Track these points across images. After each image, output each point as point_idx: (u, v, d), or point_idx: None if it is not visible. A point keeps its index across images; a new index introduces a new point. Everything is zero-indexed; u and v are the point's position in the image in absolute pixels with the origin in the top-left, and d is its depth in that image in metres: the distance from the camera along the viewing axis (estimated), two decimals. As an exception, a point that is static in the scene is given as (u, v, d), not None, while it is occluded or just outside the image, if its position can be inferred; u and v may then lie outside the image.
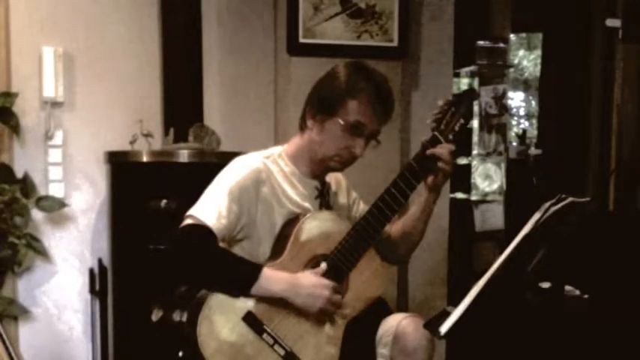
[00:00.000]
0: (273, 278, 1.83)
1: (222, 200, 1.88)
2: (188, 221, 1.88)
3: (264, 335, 1.83)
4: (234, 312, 1.82)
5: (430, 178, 1.98)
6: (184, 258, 1.85)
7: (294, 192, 1.98)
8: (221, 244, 1.94)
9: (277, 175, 1.97)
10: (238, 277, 1.84)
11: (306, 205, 1.99)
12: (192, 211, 1.89)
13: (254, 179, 1.92)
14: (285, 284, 1.83)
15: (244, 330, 1.82)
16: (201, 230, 1.84)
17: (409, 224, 2.09)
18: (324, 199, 2.04)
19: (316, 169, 2.02)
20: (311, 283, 1.85)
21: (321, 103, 1.94)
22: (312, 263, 1.91)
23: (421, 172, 1.94)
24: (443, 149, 1.94)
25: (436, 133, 1.96)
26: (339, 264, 1.91)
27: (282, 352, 1.84)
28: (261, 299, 1.84)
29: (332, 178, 2.11)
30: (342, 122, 1.91)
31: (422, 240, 2.14)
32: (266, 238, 1.94)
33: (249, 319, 1.83)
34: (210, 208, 1.87)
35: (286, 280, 1.84)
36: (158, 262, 1.94)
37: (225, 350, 1.81)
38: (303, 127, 2.01)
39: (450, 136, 1.96)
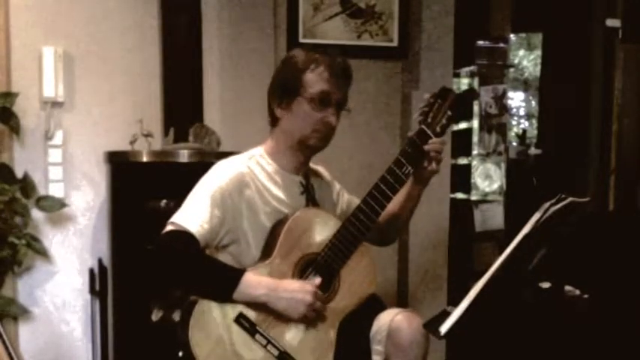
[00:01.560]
0: (254, 283, 1.82)
1: (204, 206, 1.88)
2: (169, 228, 1.88)
3: (257, 336, 1.83)
4: (226, 313, 1.82)
5: (417, 172, 1.98)
6: (165, 264, 1.85)
7: (279, 190, 1.98)
8: (207, 251, 1.94)
9: (260, 176, 1.97)
10: (219, 282, 1.83)
11: (292, 202, 1.98)
12: (174, 218, 1.89)
13: (237, 183, 1.92)
14: (265, 289, 1.82)
15: (237, 331, 1.82)
16: (183, 236, 1.84)
17: (395, 212, 2.09)
18: (310, 193, 2.04)
19: (299, 158, 2.01)
20: (293, 288, 1.84)
21: (282, 89, 1.96)
22: (303, 262, 1.91)
23: (409, 166, 1.93)
24: (434, 145, 1.94)
25: (423, 126, 1.94)
26: (329, 262, 1.90)
27: (276, 353, 1.83)
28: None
29: (313, 170, 2.11)
30: (307, 97, 1.92)
31: (407, 225, 2.17)
32: (254, 240, 1.93)
33: (241, 320, 1.82)
34: (192, 214, 1.87)
35: (267, 285, 1.83)
36: (146, 266, 1.94)
37: (218, 352, 1.80)
38: (273, 123, 2.02)
39: (438, 129, 1.95)
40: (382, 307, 2.05)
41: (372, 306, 2.00)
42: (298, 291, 1.83)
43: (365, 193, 1.94)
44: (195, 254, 1.85)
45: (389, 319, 1.94)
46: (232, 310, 1.82)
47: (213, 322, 1.81)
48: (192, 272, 1.83)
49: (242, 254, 1.94)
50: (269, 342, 1.83)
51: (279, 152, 2.01)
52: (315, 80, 1.93)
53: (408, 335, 1.89)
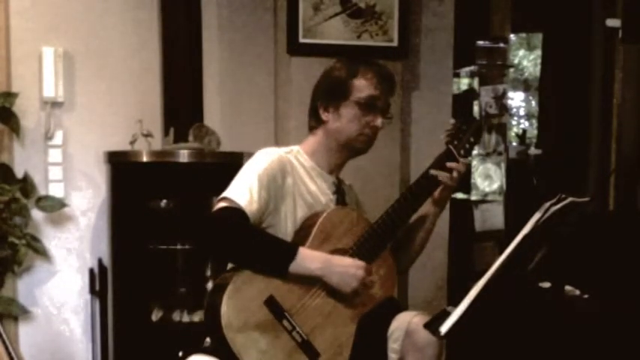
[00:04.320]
0: (310, 257, 1.88)
1: (253, 186, 1.92)
2: (223, 204, 1.92)
3: (284, 321, 1.86)
4: (257, 294, 1.85)
5: (437, 191, 2.06)
6: (223, 238, 1.88)
7: (314, 186, 2.04)
8: None
9: (299, 168, 2.04)
10: (276, 255, 1.88)
11: (325, 199, 2.05)
12: (226, 194, 1.93)
13: (281, 169, 1.98)
14: (321, 262, 1.88)
15: (265, 313, 1.85)
16: (237, 212, 1.89)
17: (411, 237, 2.15)
18: (341, 195, 2.11)
19: (337, 160, 2.08)
20: (346, 263, 1.91)
21: (331, 93, 2.03)
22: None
23: (435, 181, 2.04)
24: (459, 166, 2.04)
25: (451, 147, 2.06)
26: (356, 259, 1.95)
27: (300, 340, 1.86)
28: (284, 285, 1.87)
29: (346, 183, 2.19)
30: (356, 101, 2.00)
31: (422, 253, 2.21)
32: (287, 228, 1.98)
33: (271, 303, 1.85)
34: (243, 193, 1.91)
35: (322, 259, 1.89)
36: (202, 240, 1.95)
37: (247, 332, 1.82)
38: (314, 127, 2.09)
39: (462, 152, 2.07)
40: (400, 309, 2.09)
41: (390, 307, 2.05)
42: (351, 266, 1.90)
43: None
44: (252, 228, 1.90)
45: (407, 319, 1.99)
46: (264, 292, 1.85)
47: (244, 302, 1.83)
48: (250, 245, 1.88)
49: None
50: (294, 328, 1.86)
51: (318, 152, 2.07)
52: (364, 85, 2.02)
53: (425, 337, 1.92)
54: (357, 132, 2.02)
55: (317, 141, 2.08)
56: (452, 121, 2.12)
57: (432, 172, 2.04)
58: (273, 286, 1.86)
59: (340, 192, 2.11)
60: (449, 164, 2.04)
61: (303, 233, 1.97)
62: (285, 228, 1.98)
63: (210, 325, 1.87)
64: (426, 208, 2.11)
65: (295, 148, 2.10)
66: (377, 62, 2.08)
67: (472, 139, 2.09)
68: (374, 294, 1.98)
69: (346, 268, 1.90)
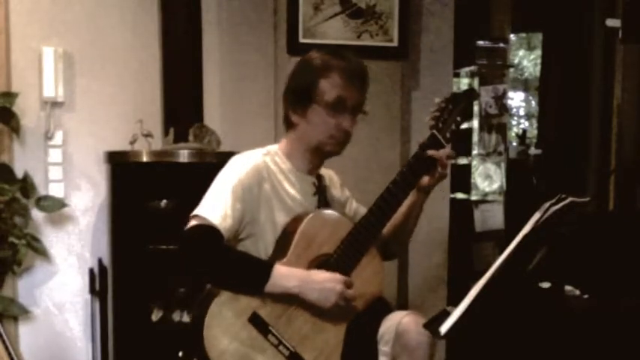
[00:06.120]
0: (286, 275, 1.84)
1: (226, 199, 1.88)
2: (194, 222, 1.88)
3: (270, 336, 1.84)
4: (240, 312, 1.83)
5: (424, 179, 2.00)
6: (195, 259, 1.86)
7: (293, 189, 1.99)
8: None
9: (277, 172, 1.99)
10: (251, 276, 1.85)
11: (306, 202, 2.00)
12: (197, 211, 1.89)
13: (256, 177, 1.93)
14: (298, 280, 1.84)
15: (250, 331, 1.83)
16: (209, 230, 1.85)
17: (399, 224, 2.11)
18: (322, 195, 2.06)
19: (313, 161, 2.03)
20: (323, 278, 1.86)
21: (297, 96, 1.97)
22: (316, 262, 1.92)
23: (420, 171, 1.96)
24: (443, 153, 1.96)
25: (435, 132, 1.98)
26: (341, 263, 1.91)
27: (287, 353, 1.85)
28: (267, 300, 1.84)
29: (325, 174, 2.13)
30: (322, 104, 1.94)
31: (411, 238, 2.18)
32: (268, 235, 1.95)
33: (255, 320, 1.83)
34: (216, 208, 1.88)
35: (299, 277, 1.85)
36: (168, 263, 1.93)
37: (231, 351, 1.81)
38: (289, 126, 2.03)
39: (448, 135, 1.98)
40: (389, 309, 2.07)
41: (379, 308, 2.02)
42: (329, 280, 1.86)
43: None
44: (224, 248, 1.87)
45: (397, 320, 1.96)
46: (246, 310, 1.83)
47: (228, 321, 1.82)
48: (223, 266, 1.85)
49: (255, 249, 1.95)
50: (280, 342, 1.85)
51: (294, 153, 2.02)
52: (329, 87, 1.94)
53: (416, 337, 1.91)
54: (327, 135, 1.96)
55: (292, 144, 2.02)
56: (437, 100, 2.01)
57: (429, 152, 1.95)
58: (256, 303, 1.84)
59: (321, 191, 2.06)
60: (434, 154, 1.94)
61: (284, 241, 1.93)
62: (266, 236, 1.94)
63: (194, 347, 1.85)
64: (413, 195, 2.04)
65: (273, 148, 2.04)
66: (348, 56, 1.99)
67: (459, 119, 2.00)
68: (362, 295, 1.93)
69: (324, 284, 1.85)
